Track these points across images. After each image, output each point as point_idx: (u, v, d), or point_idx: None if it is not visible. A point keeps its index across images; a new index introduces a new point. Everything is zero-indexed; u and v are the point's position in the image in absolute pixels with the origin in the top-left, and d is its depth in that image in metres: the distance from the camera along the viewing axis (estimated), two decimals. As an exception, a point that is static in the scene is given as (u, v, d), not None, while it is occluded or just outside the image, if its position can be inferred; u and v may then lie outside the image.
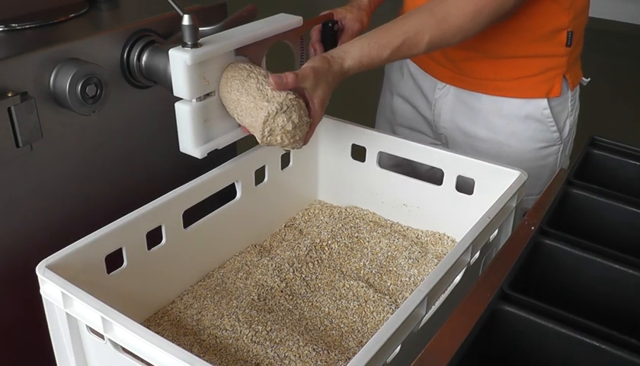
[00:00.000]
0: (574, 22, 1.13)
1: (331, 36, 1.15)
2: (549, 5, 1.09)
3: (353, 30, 1.17)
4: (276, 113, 0.90)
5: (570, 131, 1.21)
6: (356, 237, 1.13)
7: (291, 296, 1.00)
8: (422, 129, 1.31)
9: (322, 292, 1.01)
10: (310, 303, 0.99)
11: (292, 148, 0.95)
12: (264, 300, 0.99)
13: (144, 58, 1.03)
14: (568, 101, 1.19)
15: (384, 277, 1.05)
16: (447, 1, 1.00)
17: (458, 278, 0.87)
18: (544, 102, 1.16)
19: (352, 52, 0.97)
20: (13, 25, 1.00)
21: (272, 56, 1.02)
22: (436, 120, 1.27)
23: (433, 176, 1.18)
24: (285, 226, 1.17)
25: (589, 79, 1.23)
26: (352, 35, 1.16)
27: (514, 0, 1.01)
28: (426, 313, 0.78)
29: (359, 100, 1.32)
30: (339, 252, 1.10)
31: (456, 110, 1.23)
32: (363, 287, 1.01)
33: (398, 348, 0.73)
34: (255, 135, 0.93)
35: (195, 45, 0.88)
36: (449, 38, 1.01)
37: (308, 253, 1.08)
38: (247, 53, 0.97)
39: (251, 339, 0.90)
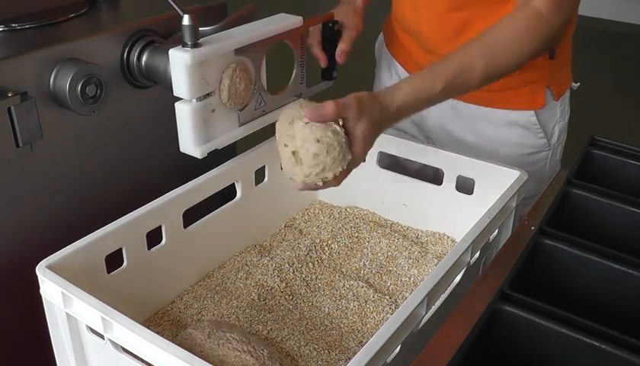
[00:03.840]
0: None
1: (332, 36, 1.15)
2: None
3: (351, 37, 1.16)
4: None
5: (559, 137, 1.21)
6: (356, 237, 1.13)
7: (291, 297, 1.00)
8: (410, 131, 1.31)
9: (322, 292, 1.01)
10: (310, 303, 0.99)
11: (324, 186, 0.85)
12: (264, 300, 0.99)
13: (144, 58, 1.03)
14: (557, 107, 1.18)
15: (384, 277, 1.05)
16: (494, 31, 0.95)
17: (458, 278, 0.87)
18: (530, 111, 1.16)
19: (401, 87, 0.89)
20: (13, 25, 1.00)
21: (272, 56, 1.02)
22: (423, 122, 1.27)
23: (425, 175, 1.18)
24: (285, 226, 1.17)
25: (578, 84, 1.23)
26: (350, 41, 1.15)
27: (558, 20, 0.95)
28: (426, 313, 0.78)
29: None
30: (339, 252, 1.10)
31: (443, 114, 1.23)
32: (363, 287, 1.01)
33: (398, 348, 0.73)
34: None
35: (195, 45, 0.88)
36: (504, 66, 0.96)
37: (308, 253, 1.08)
38: (247, 53, 0.97)
39: (251, 339, 0.90)
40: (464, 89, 0.95)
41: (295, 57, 1.07)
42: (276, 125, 0.88)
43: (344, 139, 0.82)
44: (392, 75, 1.32)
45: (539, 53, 0.98)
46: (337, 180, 0.85)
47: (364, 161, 0.88)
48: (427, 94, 0.90)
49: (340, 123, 0.84)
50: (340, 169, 0.83)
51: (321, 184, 0.84)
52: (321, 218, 1.20)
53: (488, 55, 0.93)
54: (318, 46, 1.15)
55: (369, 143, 0.86)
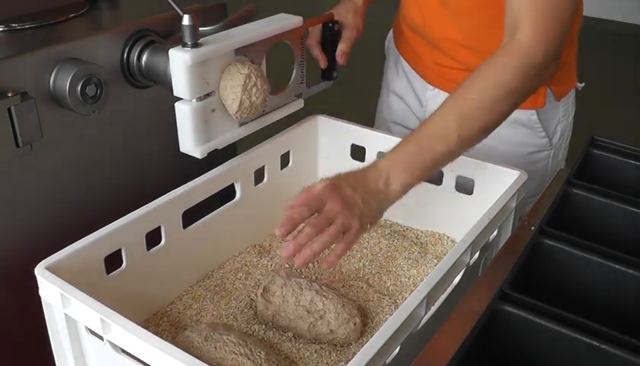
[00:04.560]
0: None
1: (332, 37, 1.14)
2: None
3: (351, 38, 1.16)
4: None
5: (562, 136, 1.21)
6: (356, 237, 1.13)
7: (291, 297, 1.00)
8: (415, 127, 1.31)
9: (322, 292, 1.01)
10: (310, 304, 0.99)
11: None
12: (264, 300, 0.99)
13: (144, 58, 1.03)
14: (559, 107, 1.18)
15: (384, 277, 1.04)
16: (470, 90, 0.92)
17: (457, 279, 0.87)
18: (531, 110, 1.16)
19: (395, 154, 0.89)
20: (13, 25, 1.00)
21: (272, 56, 1.02)
22: None
23: None
24: (285, 227, 1.17)
25: (583, 84, 1.22)
26: (350, 41, 1.15)
27: (542, 51, 0.90)
28: (425, 314, 0.78)
29: (359, 100, 1.32)
30: (339, 253, 1.10)
31: None
32: (362, 288, 1.01)
33: (398, 348, 0.73)
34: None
35: (195, 45, 0.88)
36: (481, 132, 0.92)
37: (308, 253, 1.08)
38: (247, 53, 0.97)
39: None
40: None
41: (295, 57, 1.07)
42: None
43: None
44: (398, 72, 1.32)
45: (530, 95, 0.94)
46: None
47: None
48: (423, 165, 0.89)
49: None
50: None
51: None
52: (321, 218, 1.19)
53: (463, 126, 0.90)
54: (317, 47, 1.15)
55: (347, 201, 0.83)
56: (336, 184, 0.83)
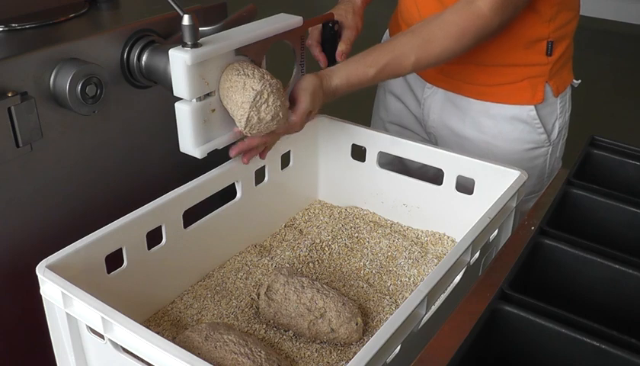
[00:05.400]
0: (557, 32, 1.13)
1: (332, 37, 1.15)
2: (529, 16, 1.10)
3: (350, 38, 1.16)
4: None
5: (560, 133, 1.22)
6: (356, 237, 1.13)
7: (291, 296, 1.00)
8: (412, 127, 1.32)
9: (322, 292, 1.01)
10: (310, 303, 0.99)
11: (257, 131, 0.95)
12: (264, 300, 0.99)
13: (144, 58, 1.03)
14: (557, 104, 1.19)
15: (384, 277, 1.05)
16: (432, 23, 1.03)
17: (458, 278, 0.87)
18: (530, 105, 1.16)
19: (339, 71, 1.01)
20: (13, 25, 1.00)
21: (272, 56, 1.02)
22: (425, 118, 1.27)
23: (425, 174, 1.18)
24: (285, 226, 1.17)
25: (579, 81, 1.23)
26: (349, 42, 1.16)
27: (498, 21, 1.02)
28: (426, 313, 0.78)
29: (358, 100, 1.32)
30: (339, 252, 1.10)
31: (444, 110, 1.23)
32: (363, 287, 1.01)
33: (398, 348, 0.73)
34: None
35: (195, 45, 0.88)
36: (434, 58, 1.04)
37: (308, 253, 1.08)
38: (247, 53, 0.97)
39: (251, 339, 0.90)
40: (394, 76, 1.07)
41: (295, 57, 1.07)
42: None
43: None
44: None
45: (470, 48, 1.05)
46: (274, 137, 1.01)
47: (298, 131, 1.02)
48: (359, 79, 1.01)
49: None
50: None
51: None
52: (321, 218, 1.20)
53: (420, 49, 1.02)
54: (317, 47, 1.15)
55: (305, 116, 1.00)
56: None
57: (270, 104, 0.92)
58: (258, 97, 0.91)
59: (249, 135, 0.95)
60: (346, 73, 1.01)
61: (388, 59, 1.01)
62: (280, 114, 0.94)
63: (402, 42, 1.03)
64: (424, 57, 1.02)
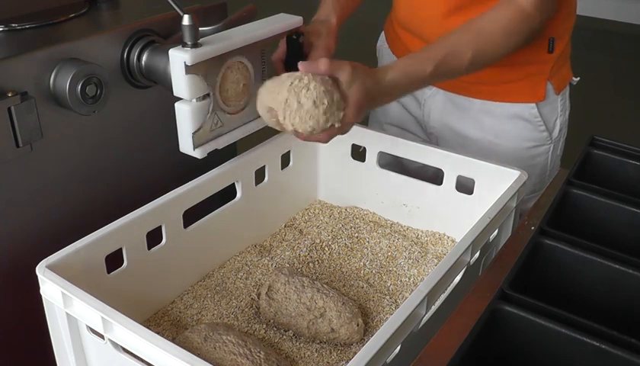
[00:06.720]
0: (558, 29, 1.13)
1: (297, 49, 1.05)
2: None
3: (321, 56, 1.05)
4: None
5: (560, 131, 1.22)
6: (356, 237, 1.13)
7: (291, 296, 1.00)
8: (412, 128, 1.31)
9: (322, 292, 1.01)
10: (310, 303, 0.99)
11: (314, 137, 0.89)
12: (264, 300, 0.99)
13: (144, 58, 1.03)
14: (557, 101, 1.19)
15: (384, 277, 1.05)
16: (481, 17, 1.01)
17: (458, 278, 0.87)
18: (531, 103, 1.16)
19: (395, 65, 0.95)
20: (13, 25, 1.00)
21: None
22: (425, 119, 1.27)
23: (425, 174, 1.18)
24: (285, 226, 1.17)
25: (578, 78, 1.23)
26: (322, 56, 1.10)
27: (539, 18, 1.00)
28: (426, 313, 0.78)
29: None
30: (339, 252, 1.10)
31: (445, 110, 1.23)
32: (363, 287, 1.01)
33: (398, 348, 0.73)
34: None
35: (195, 45, 0.88)
36: (489, 54, 1.01)
37: (308, 253, 1.09)
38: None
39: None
40: (451, 74, 1.02)
41: (253, 73, 1.01)
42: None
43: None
44: None
45: (520, 48, 1.03)
46: (328, 135, 0.90)
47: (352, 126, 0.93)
48: (417, 74, 0.95)
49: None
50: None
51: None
52: (321, 218, 1.20)
53: (477, 45, 0.99)
54: (279, 64, 1.07)
55: (360, 109, 0.89)
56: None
57: (311, 88, 0.85)
58: (297, 81, 0.86)
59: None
60: (402, 65, 0.95)
61: (446, 53, 0.97)
62: (326, 101, 0.86)
63: (456, 37, 0.99)
64: (480, 54, 0.99)
